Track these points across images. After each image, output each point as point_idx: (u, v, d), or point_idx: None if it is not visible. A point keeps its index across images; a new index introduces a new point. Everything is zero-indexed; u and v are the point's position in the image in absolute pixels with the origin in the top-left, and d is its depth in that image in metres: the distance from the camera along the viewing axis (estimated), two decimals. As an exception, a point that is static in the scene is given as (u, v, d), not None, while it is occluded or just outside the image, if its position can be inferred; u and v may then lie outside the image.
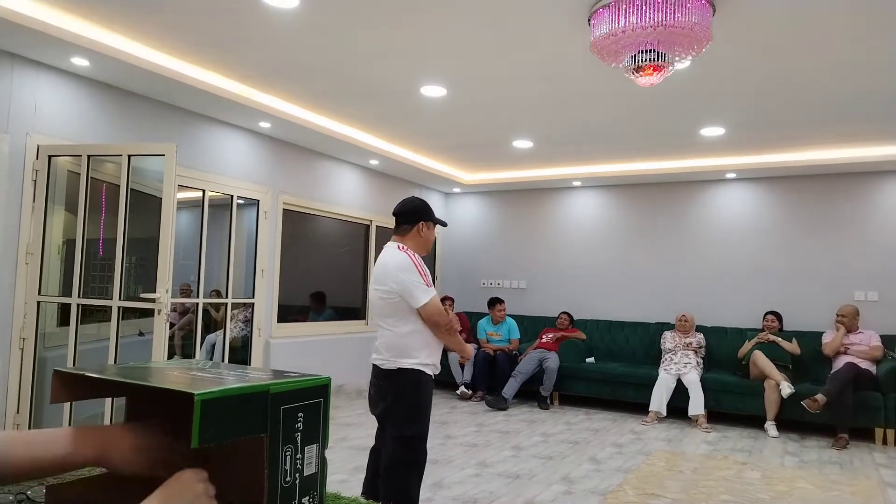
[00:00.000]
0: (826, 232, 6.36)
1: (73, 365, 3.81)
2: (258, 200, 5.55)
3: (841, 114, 4.82)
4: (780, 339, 5.87)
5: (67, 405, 3.83)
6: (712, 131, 5.40)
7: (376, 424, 2.94)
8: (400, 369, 2.69)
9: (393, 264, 2.71)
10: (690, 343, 6.17)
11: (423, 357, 2.73)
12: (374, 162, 6.65)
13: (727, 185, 6.87)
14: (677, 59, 3.11)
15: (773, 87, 4.29)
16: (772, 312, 6.15)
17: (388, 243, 2.86)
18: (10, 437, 0.88)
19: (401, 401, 2.71)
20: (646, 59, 3.06)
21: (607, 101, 4.72)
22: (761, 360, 5.56)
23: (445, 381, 7.16)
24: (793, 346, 5.81)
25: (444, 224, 3.06)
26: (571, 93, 4.55)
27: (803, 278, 6.39)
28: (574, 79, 4.25)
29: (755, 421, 5.62)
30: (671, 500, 3.54)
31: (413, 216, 2.85)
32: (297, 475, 0.87)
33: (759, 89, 4.33)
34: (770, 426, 5.35)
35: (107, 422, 3.76)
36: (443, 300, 7.30)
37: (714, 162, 6.40)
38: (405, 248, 2.78)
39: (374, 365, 2.82)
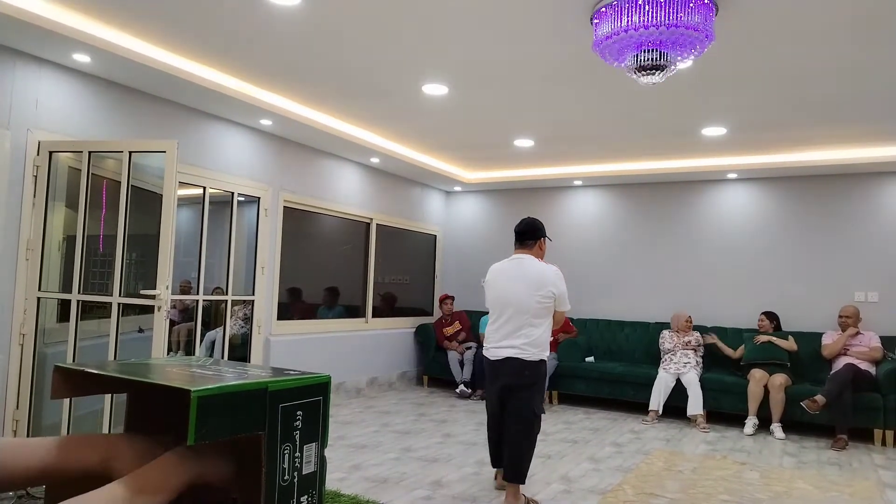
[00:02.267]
0: (827, 232, 6.35)
1: (73, 361, 3.81)
2: (259, 198, 5.55)
3: (841, 114, 4.81)
4: (775, 337, 5.87)
5: (67, 401, 3.83)
6: (714, 131, 5.39)
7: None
8: (541, 360, 3.36)
9: (550, 274, 3.34)
10: (689, 342, 6.17)
11: (548, 350, 3.44)
12: (375, 160, 6.64)
13: (728, 186, 6.86)
14: (680, 58, 3.11)
15: (775, 87, 4.28)
16: (765, 313, 6.14)
17: (520, 255, 3.46)
18: (13, 443, 0.88)
19: (541, 384, 3.44)
20: (648, 59, 3.06)
21: (609, 101, 4.71)
22: (753, 383, 5.56)
23: (445, 379, 7.17)
24: (789, 344, 5.80)
25: (550, 239, 3.67)
26: (573, 92, 4.54)
27: (804, 279, 6.38)
28: (576, 78, 4.24)
29: (754, 421, 5.61)
30: (670, 499, 3.54)
31: (537, 233, 3.49)
32: (296, 473, 0.87)
33: (760, 89, 4.33)
34: (776, 427, 5.34)
35: (106, 418, 3.76)
36: (443, 299, 7.35)
37: (715, 162, 6.39)
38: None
39: (509, 358, 3.32)
